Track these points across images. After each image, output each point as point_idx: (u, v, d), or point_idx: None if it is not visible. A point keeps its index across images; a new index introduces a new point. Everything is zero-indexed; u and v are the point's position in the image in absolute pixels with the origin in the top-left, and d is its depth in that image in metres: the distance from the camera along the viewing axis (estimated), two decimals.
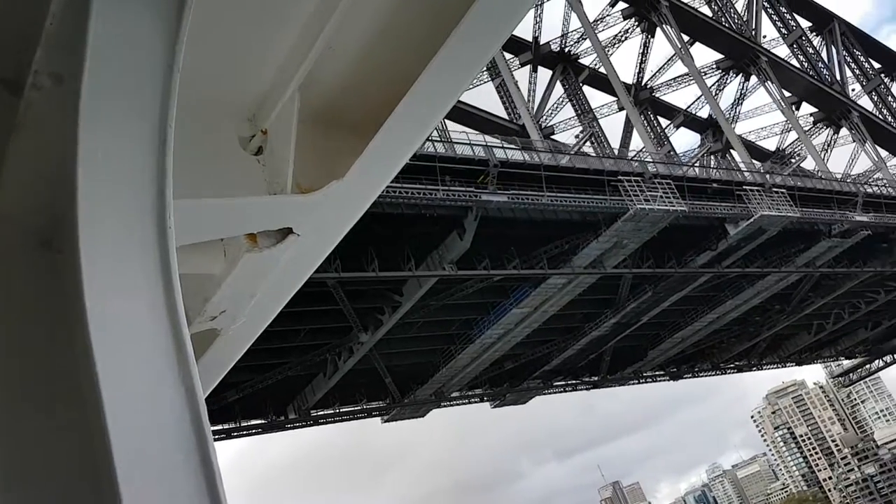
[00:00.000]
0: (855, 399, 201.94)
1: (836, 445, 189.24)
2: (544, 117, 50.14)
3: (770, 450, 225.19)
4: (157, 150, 1.17)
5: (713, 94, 51.80)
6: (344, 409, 37.06)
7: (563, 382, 45.58)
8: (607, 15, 46.37)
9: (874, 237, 38.47)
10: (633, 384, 51.59)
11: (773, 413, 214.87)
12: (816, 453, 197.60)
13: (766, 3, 52.27)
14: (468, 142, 24.53)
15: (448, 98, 1.57)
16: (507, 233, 27.37)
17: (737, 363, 54.58)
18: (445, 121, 43.81)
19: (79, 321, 1.02)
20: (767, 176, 33.12)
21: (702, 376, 54.49)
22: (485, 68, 43.84)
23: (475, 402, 42.95)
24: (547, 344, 39.09)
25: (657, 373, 51.19)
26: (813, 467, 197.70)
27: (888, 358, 63.69)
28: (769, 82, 45.74)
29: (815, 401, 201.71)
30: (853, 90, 51.71)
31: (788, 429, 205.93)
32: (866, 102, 54.94)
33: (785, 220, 31.72)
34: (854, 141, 49.33)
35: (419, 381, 37.17)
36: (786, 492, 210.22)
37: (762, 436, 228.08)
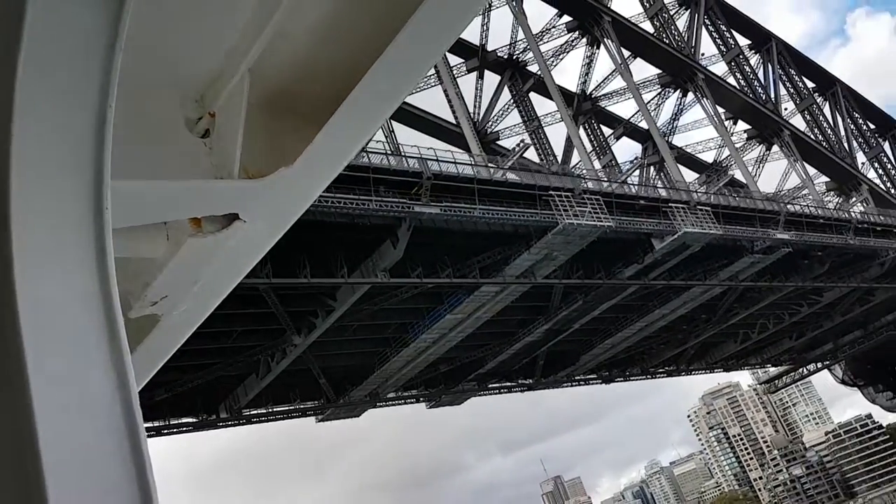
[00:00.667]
0: (787, 402, 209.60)
1: (767, 446, 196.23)
2: (490, 123, 51.12)
3: (705, 449, 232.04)
4: (96, 130, 1.16)
5: (652, 108, 53.47)
6: (277, 409, 37.25)
7: (498, 385, 46.59)
8: (552, 27, 47.42)
9: (795, 254, 40.39)
10: (567, 387, 53.01)
11: (709, 413, 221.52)
12: (748, 453, 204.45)
13: (707, 21, 54.06)
14: (403, 154, 25.02)
15: (399, 92, 1.56)
16: (441, 241, 28.01)
17: (666, 368, 56.51)
18: (392, 122, 44.56)
19: (7, 305, 1.01)
20: (693, 194, 34.44)
21: (633, 380, 56.24)
22: (433, 71, 44.44)
23: (411, 402, 43.59)
24: (482, 348, 39.95)
25: (590, 376, 52.71)
26: (745, 467, 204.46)
27: (811, 366, 66.77)
28: (705, 99, 47.43)
29: (749, 402, 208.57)
30: (786, 109, 53.83)
31: (722, 429, 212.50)
32: (799, 121, 57.48)
33: (708, 236, 33.15)
34: (785, 158, 51.51)
35: (355, 383, 37.60)
36: (719, 490, 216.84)
37: (697, 435, 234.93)
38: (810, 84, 60.94)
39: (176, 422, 35.05)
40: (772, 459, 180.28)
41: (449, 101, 49.71)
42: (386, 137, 43.72)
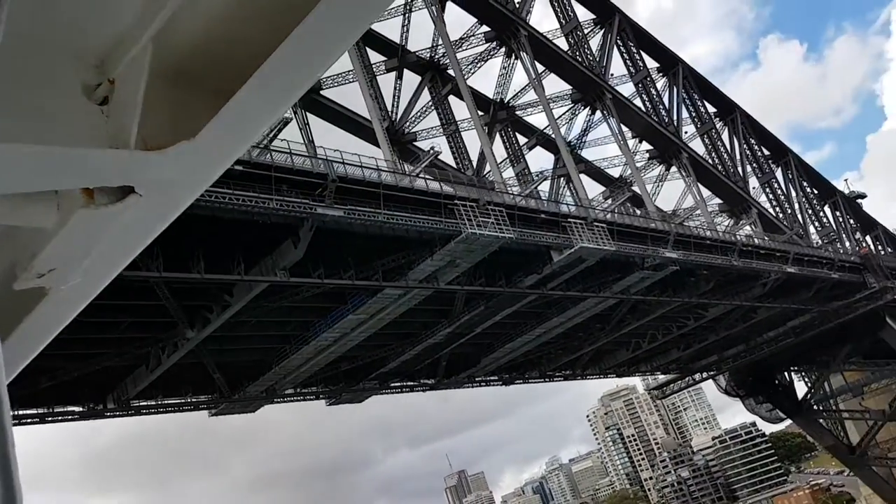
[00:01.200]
0: (679, 406, 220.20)
1: (659, 448, 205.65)
2: (408, 123, 51.52)
3: (601, 448, 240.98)
4: None
5: (564, 122, 55.35)
6: (168, 402, 36.47)
7: (400, 384, 47.12)
8: (472, 35, 48.27)
9: (683, 271, 42.80)
10: (468, 387, 54.15)
11: (606, 414, 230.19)
12: (641, 454, 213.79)
13: (619, 42, 56.29)
14: (308, 154, 25.08)
15: (311, 72, 1.51)
16: (344, 242, 28.17)
17: (563, 372, 58.63)
18: (307, 115, 44.25)
19: None
20: (591, 211, 36.01)
21: (531, 383, 58.03)
22: (352, 67, 44.39)
23: (310, 399, 43.49)
24: (384, 348, 40.34)
25: (491, 378, 54.06)
26: (636, 467, 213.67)
27: (697, 376, 70.67)
28: (611, 118, 49.47)
29: (644, 405, 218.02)
30: (686, 132, 56.75)
31: (618, 429, 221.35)
32: (699, 144, 60.69)
33: (602, 252, 34.72)
34: (682, 178, 54.31)
35: (252, 378, 37.24)
36: (612, 488, 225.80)
37: (595, 435, 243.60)
38: (712, 109, 64.53)
39: (61, 409, 33.88)
40: (661, 461, 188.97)
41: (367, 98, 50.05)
42: (301, 129, 43.67)
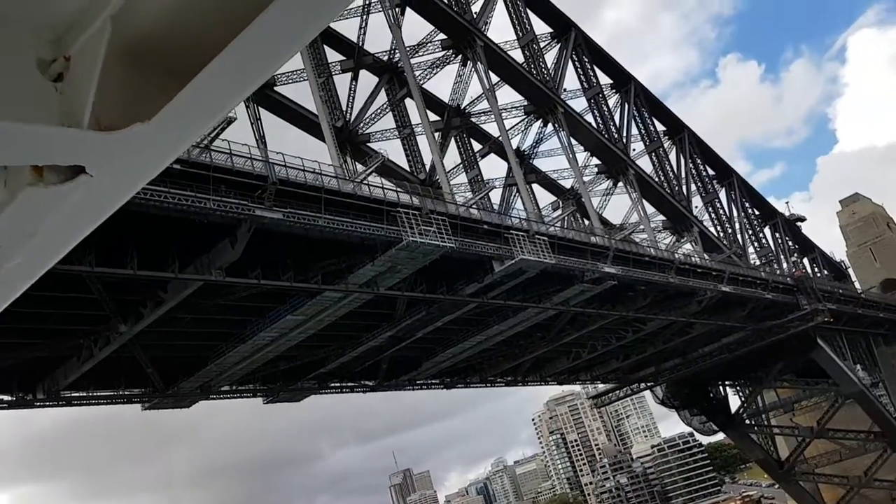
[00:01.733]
0: (621, 413, 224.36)
1: (600, 454, 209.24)
2: (363, 124, 51.65)
3: (544, 451, 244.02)
4: None
5: (518, 131, 56.25)
6: (100, 394, 35.95)
7: (340, 385, 47.21)
8: (428, 42, 48.66)
9: (621, 286, 43.94)
10: (409, 390, 54.49)
11: (551, 418, 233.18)
12: (582, 459, 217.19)
13: (573, 57, 57.36)
14: (249, 156, 25.12)
15: (273, 59, 1.49)
16: (283, 243, 28.26)
17: (504, 378, 59.47)
18: (260, 110, 44.01)
19: None
20: (533, 224, 36.75)
21: (473, 387, 58.69)
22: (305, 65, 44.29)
23: (247, 396, 43.29)
24: (324, 349, 40.43)
25: (432, 381, 54.52)
26: (577, 472, 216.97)
27: (635, 386, 72.39)
28: (562, 132, 50.41)
29: (588, 411, 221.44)
30: (634, 150, 58.11)
31: (561, 434, 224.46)
32: (647, 161, 62.22)
33: (542, 264, 35.48)
34: (627, 195, 55.66)
35: (188, 374, 36.96)
36: (553, 491, 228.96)
37: (539, 438, 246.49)
38: (662, 127, 66.22)
39: None
40: (601, 467, 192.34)
41: (323, 97, 50.03)
42: (252, 124, 43.45)
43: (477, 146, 56.46)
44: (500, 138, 47.08)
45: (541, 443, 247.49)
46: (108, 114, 1.45)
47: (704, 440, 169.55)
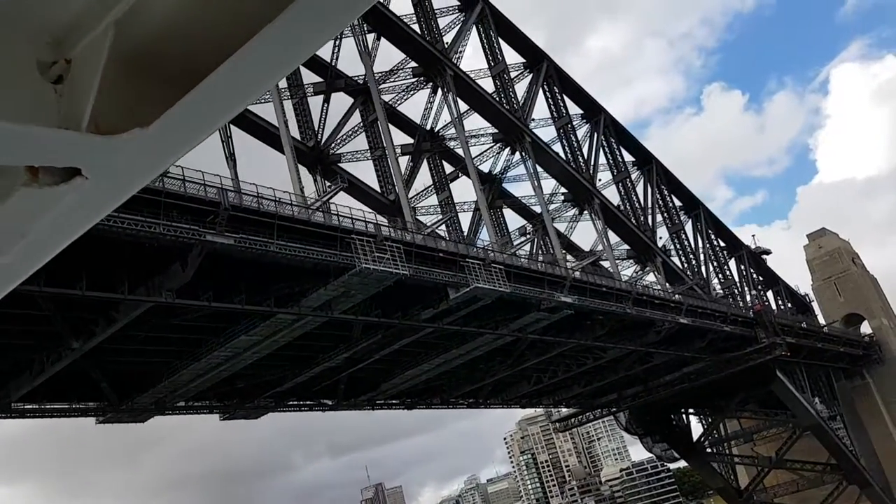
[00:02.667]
0: (593, 436, 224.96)
1: (570, 476, 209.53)
2: (335, 145, 52.38)
3: (515, 471, 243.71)
4: None
5: (489, 156, 57.28)
6: (53, 406, 36.07)
7: (298, 403, 47.51)
8: (400, 69, 49.61)
9: (580, 315, 44.77)
10: (368, 409, 54.82)
11: (523, 438, 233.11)
12: (552, 481, 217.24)
13: (545, 87, 58.56)
14: (203, 181, 25.65)
15: (277, 71, 1.50)
16: (237, 266, 28.75)
17: (466, 400, 60.03)
18: (230, 127, 44.52)
19: None
20: (490, 253, 37.52)
21: (434, 408, 59.16)
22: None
23: (203, 413, 43.46)
24: (281, 368, 40.77)
25: (392, 401, 54.93)
26: (547, 493, 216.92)
27: (598, 412, 73.20)
28: (529, 160, 51.43)
29: (560, 433, 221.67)
30: (600, 180, 59.22)
31: (532, 454, 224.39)
32: (614, 191, 63.41)
33: (497, 292, 36.21)
34: (592, 224, 56.70)
35: (143, 389, 37.16)
36: None
37: (510, 458, 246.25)
38: (631, 158, 67.55)
39: None
40: (569, 489, 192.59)
41: (297, 117, 50.85)
42: (223, 142, 43.95)
43: (449, 168, 57.42)
44: (476, 159, 47.99)
45: (512, 462, 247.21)
46: (107, 118, 1.45)
47: (673, 465, 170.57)
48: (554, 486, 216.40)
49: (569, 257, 58.12)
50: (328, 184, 35.14)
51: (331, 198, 31.43)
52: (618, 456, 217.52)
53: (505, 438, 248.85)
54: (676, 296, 56.32)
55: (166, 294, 26.09)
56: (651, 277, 59.06)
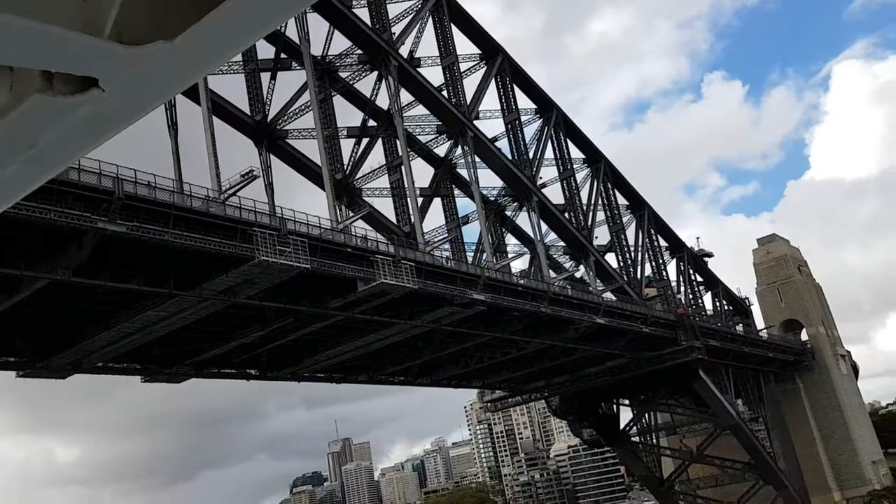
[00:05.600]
0: (547, 411, 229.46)
1: (521, 448, 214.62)
2: (282, 121, 53.43)
3: (472, 439, 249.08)
4: None
5: (437, 144, 58.45)
6: None
7: (218, 371, 49.28)
8: (347, 55, 50.49)
9: (494, 310, 46.64)
10: (293, 381, 56.77)
11: (481, 408, 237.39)
12: (505, 451, 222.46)
13: (497, 79, 59.56)
14: (98, 171, 26.86)
15: None
16: (138, 250, 30.12)
17: (397, 378, 62.21)
18: (176, 99, 45.38)
19: None
20: (400, 251, 39.01)
21: (360, 384, 61.26)
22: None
23: (122, 374, 45.14)
24: (196, 340, 42.40)
25: (319, 375, 56.92)
26: (499, 462, 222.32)
27: (526, 396, 75.88)
28: (469, 156, 52.73)
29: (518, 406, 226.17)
30: (541, 178, 60.61)
31: (489, 425, 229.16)
32: (558, 189, 64.79)
33: (404, 288, 37.89)
34: (529, 220, 58.31)
35: (63, 348, 38.70)
36: (477, 478, 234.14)
37: (469, 425, 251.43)
38: (581, 155, 68.90)
39: None
40: (517, 461, 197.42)
41: (249, 92, 51.81)
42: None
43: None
44: (402, 158, 49.27)
45: (470, 430, 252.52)
46: (130, 27, 1.39)
47: None
48: (507, 455, 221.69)
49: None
50: (250, 168, 36.23)
51: (242, 187, 32.72)
52: (570, 433, 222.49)
53: (465, 407, 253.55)
54: (603, 296, 58.36)
55: (62, 272, 27.49)
56: (579, 274, 61.05)
